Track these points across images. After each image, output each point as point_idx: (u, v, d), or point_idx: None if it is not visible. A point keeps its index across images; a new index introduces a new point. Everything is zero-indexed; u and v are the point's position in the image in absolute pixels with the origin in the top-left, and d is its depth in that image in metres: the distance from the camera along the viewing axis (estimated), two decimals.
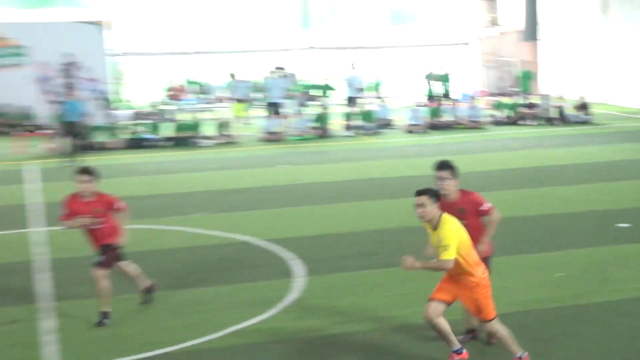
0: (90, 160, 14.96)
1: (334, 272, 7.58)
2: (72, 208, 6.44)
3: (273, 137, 18.01)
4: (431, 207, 4.74)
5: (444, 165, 5.11)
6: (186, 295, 6.96)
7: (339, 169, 14.61)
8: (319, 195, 11.97)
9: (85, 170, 6.43)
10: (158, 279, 6.79)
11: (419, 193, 4.80)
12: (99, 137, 17.93)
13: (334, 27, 27.50)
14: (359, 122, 19.07)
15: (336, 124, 19.40)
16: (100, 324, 6.07)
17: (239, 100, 21.12)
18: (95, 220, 6.39)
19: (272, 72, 20.91)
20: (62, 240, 9.00)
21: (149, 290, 6.79)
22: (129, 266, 6.69)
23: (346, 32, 26.84)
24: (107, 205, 6.44)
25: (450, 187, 5.07)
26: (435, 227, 4.81)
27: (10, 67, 20.05)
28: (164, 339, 5.76)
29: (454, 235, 4.73)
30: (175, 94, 23.98)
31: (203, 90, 24.25)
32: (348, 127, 19.07)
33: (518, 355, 5.10)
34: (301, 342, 5.64)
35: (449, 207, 4.99)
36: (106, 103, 20.22)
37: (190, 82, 24.66)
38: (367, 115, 19.16)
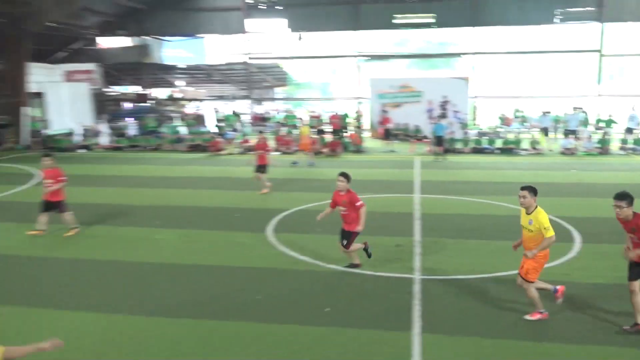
0: (450, 158, 21.13)
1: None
2: (334, 199, 8.33)
3: (568, 152, 22.86)
4: (530, 199, 6.61)
5: (620, 196, 6.25)
6: None
7: (615, 176, 17.29)
8: (599, 191, 14.57)
9: (343, 174, 8.20)
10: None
11: (522, 188, 6.72)
12: (457, 145, 24.06)
13: (621, 82, 33.90)
14: (632, 146, 23.56)
15: (615, 146, 23.75)
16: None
17: (544, 129, 25.72)
18: (342, 209, 8.22)
19: (573, 108, 26.19)
20: (429, 203, 13.38)
21: (366, 249, 8.62)
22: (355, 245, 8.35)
23: (632, 85, 32.78)
24: (351, 201, 8.07)
25: (624, 213, 6.23)
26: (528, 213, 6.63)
27: (411, 103, 28.04)
28: None
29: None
30: (506, 121, 29.34)
31: (524, 120, 29.23)
32: (623, 149, 23.52)
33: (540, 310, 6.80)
34: None
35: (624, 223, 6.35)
36: (464, 126, 26.65)
37: (516, 114, 30.05)
38: (638, 141, 23.90)
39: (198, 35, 35.06)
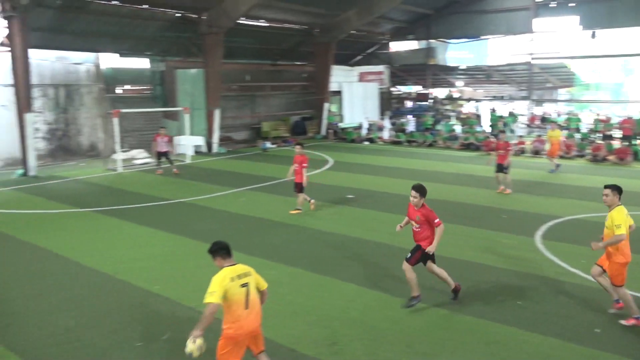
0: None
1: None
2: (408, 212, 7.17)
3: None
4: (612, 197, 6.40)
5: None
6: None
7: None
8: None
9: (417, 188, 7.00)
10: None
11: (606, 187, 6.52)
12: None
13: None
14: None
15: None
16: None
17: None
18: (416, 225, 7.00)
19: None
20: None
21: (456, 291, 7.21)
22: (434, 267, 7.07)
23: None
24: (427, 218, 6.90)
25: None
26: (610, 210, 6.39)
27: None
28: None
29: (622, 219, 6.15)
30: None
31: None
32: None
33: (635, 316, 6.22)
34: None
35: None
36: None
37: None
38: None
39: (482, 37, 34.31)
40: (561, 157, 21.47)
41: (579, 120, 28.32)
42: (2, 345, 6.19)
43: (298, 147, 12.72)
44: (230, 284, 4.66)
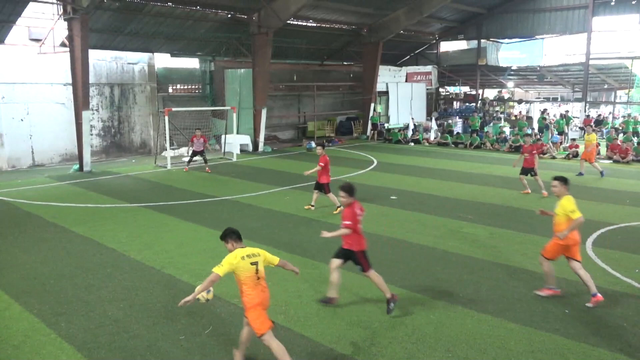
0: None
1: None
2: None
3: None
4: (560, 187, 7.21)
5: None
6: None
7: None
8: None
9: (344, 188, 6.84)
10: None
11: (554, 179, 7.39)
12: None
13: None
14: None
15: None
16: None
17: None
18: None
19: None
20: None
21: (391, 301, 6.77)
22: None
23: None
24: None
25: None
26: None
27: None
28: None
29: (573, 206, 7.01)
30: None
31: None
32: None
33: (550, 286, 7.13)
34: None
35: None
36: None
37: None
38: None
39: (536, 36, 33.24)
40: (617, 161, 20.60)
41: (637, 123, 27.02)
42: (55, 333, 6.48)
43: (319, 148, 12.86)
44: (241, 261, 5.32)
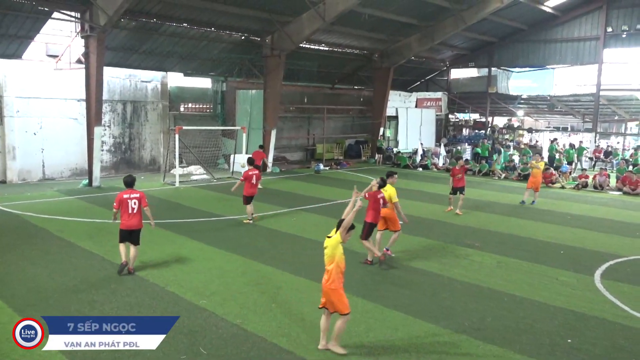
0: None
1: None
2: None
3: None
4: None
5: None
6: None
7: None
8: None
9: None
10: None
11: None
12: None
13: None
14: None
15: None
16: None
17: None
18: None
19: None
20: None
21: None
22: None
23: None
24: None
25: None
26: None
27: None
28: None
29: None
30: None
31: None
32: None
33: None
34: None
35: None
36: None
37: None
38: None
39: (547, 66, 33.41)
40: (627, 193, 20.45)
41: None
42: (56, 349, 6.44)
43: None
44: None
